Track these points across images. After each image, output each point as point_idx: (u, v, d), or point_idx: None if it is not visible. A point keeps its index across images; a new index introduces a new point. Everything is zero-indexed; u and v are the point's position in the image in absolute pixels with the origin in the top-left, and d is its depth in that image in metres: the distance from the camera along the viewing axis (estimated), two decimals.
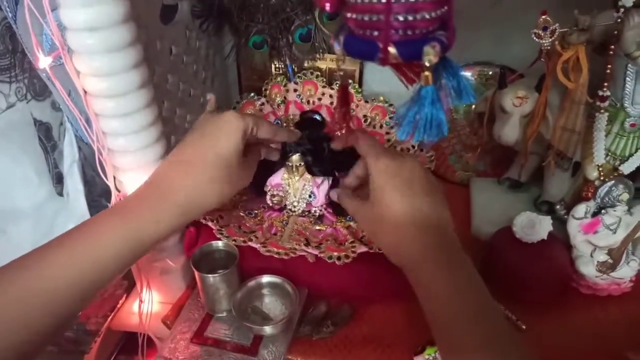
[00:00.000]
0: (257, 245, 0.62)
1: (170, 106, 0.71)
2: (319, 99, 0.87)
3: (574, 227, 0.66)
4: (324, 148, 0.71)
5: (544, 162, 0.72)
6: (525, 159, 0.75)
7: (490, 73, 0.84)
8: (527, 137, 0.70)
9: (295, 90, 0.88)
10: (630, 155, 0.67)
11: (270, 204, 0.72)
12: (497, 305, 0.48)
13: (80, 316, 0.70)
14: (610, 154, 0.67)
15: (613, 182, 0.65)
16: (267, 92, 0.88)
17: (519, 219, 0.65)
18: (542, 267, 0.64)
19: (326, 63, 0.89)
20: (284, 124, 0.86)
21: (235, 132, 0.55)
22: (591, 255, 0.65)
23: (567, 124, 0.65)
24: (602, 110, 0.64)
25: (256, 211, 0.72)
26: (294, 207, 0.71)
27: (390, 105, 0.85)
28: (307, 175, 0.70)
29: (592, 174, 0.68)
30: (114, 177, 0.57)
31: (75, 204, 0.69)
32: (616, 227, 0.64)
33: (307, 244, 0.64)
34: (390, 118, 0.84)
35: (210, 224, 0.64)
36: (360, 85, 0.90)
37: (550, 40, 0.59)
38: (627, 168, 0.67)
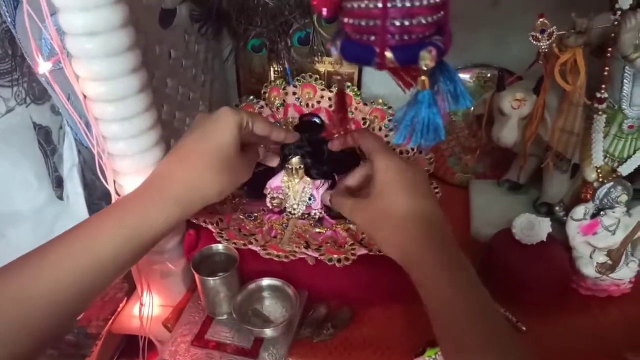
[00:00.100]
0: (257, 248, 0.62)
1: (169, 110, 0.71)
2: (318, 102, 0.87)
3: (573, 229, 0.66)
4: (323, 151, 0.71)
5: (542, 163, 0.72)
6: (524, 161, 0.75)
7: (489, 75, 0.84)
8: (525, 139, 0.71)
9: (294, 93, 0.88)
10: (629, 156, 0.67)
11: (270, 207, 0.72)
12: (496, 307, 0.49)
13: (81, 319, 0.70)
14: (608, 155, 0.68)
15: (612, 183, 0.65)
16: (266, 95, 0.89)
17: (518, 220, 0.65)
18: (542, 269, 0.64)
19: (325, 66, 0.90)
20: (284, 127, 0.86)
21: (231, 124, 0.55)
22: (590, 257, 0.65)
23: (565, 125, 0.66)
24: (600, 112, 0.65)
25: (256, 214, 0.72)
26: (294, 209, 0.71)
27: (389, 107, 0.85)
28: (307, 178, 0.70)
29: (591, 175, 0.68)
30: (114, 181, 0.58)
31: (75, 208, 0.69)
32: (615, 228, 0.64)
33: (307, 246, 0.64)
34: (389, 120, 0.84)
35: (210, 227, 0.64)
36: (359, 87, 0.90)
37: (547, 42, 0.60)
38: (625, 169, 0.67)
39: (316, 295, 0.65)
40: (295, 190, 0.70)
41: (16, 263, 0.46)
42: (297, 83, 0.88)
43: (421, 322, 0.49)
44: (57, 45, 0.49)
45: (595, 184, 0.68)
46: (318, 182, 0.70)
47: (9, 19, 0.54)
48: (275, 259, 0.62)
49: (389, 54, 0.35)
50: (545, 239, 0.64)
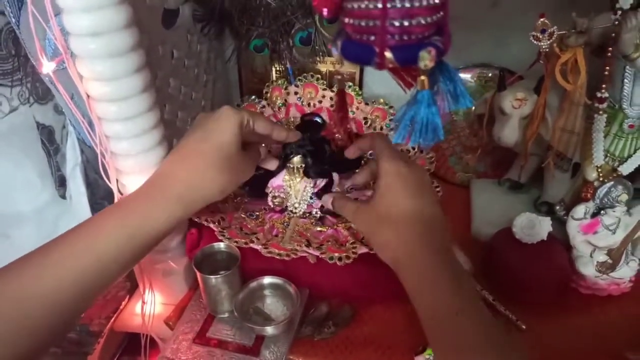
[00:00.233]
0: (258, 247, 0.63)
1: (171, 109, 0.71)
2: (320, 102, 0.88)
3: (574, 228, 0.66)
4: (324, 150, 0.72)
5: (543, 163, 0.72)
6: (525, 160, 0.76)
7: (490, 75, 0.84)
8: (526, 138, 0.71)
9: (295, 93, 0.89)
10: (629, 156, 0.67)
11: (272, 206, 0.72)
12: (485, 307, 0.49)
13: (83, 317, 0.71)
14: (609, 155, 0.68)
15: (612, 182, 0.65)
16: (268, 95, 0.89)
17: (518, 219, 0.66)
18: (542, 268, 0.64)
19: (326, 66, 0.90)
20: (285, 126, 0.86)
21: (233, 122, 0.56)
22: (591, 256, 0.65)
23: (566, 125, 0.66)
24: (600, 112, 0.65)
25: (257, 213, 0.72)
26: (295, 208, 0.71)
27: (391, 107, 0.86)
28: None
29: (592, 174, 0.68)
30: (117, 180, 0.58)
31: (78, 207, 0.69)
32: (615, 227, 0.64)
33: (308, 245, 0.64)
34: (390, 120, 0.85)
35: (212, 225, 0.65)
36: (361, 87, 0.91)
37: (548, 42, 0.60)
38: (626, 169, 0.67)
39: (317, 294, 0.66)
40: (297, 189, 0.71)
41: (18, 263, 0.46)
42: (298, 83, 0.89)
43: None
44: (61, 46, 0.49)
45: (595, 184, 0.68)
46: (319, 181, 0.70)
47: (14, 20, 0.55)
48: (277, 257, 0.62)
49: (388, 54, 0.36)
50: (545, 238, 0.65)
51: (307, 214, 0.72)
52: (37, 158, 0.66)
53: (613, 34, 0.59)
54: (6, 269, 0.45)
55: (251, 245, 0.63)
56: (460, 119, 0.87)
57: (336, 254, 0.61)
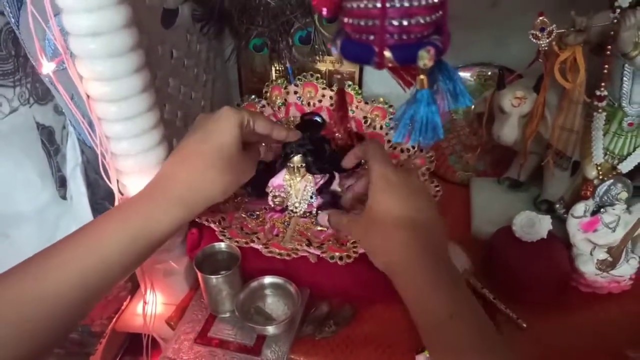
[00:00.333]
0: (259, 246, 0.63)
1: (171, 109, 0.71)
2: (319, 101, 0.88)
3: (574, 226, 0.66)
4: (324, 149, 0.72)
5: (543, 161, 0.72)
6: (524, 159, 0.76)
7: (489, 73, 0.84)
8: (526, 137, 0.71)
9: (295, 93, 0.89)
10: (629, 154, 0.67)
11: (272, 205, 0.72)
12: (481, 309, 0.49)
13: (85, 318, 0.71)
14: (608, 153, 0.68)
15: (612, 180, 0.65)
16: (268, 94, 0.89)
17: (518, 218, 0.66)
18: (542, 266, 0.64)
19: (326, 65, 0.90)
20: (285, 126, 0.86)
21: (233, 123, 0.56)
22: (591, 254, 0.65)
23: (565, 123, 0.66)
24: (600, 110, 0.65)
25: (258, 212, 0.72)
26: (296, 208, 0.71)
27: (390, 106, 0.86)
28: (309, 176, 0.71)
29: (591, 173, 0.68)
30: (117, 180, 0.58)
31: (79, 207, 0.69)
32: (615, 225, 0.64)
33: (309, 244, 0.64)
34: (390, 119, 0.85)
35: (212, 225, 0.65)
36: (360, 86, 0.91)
37: (547, 41, 0.60)
38: (625, 167, 0.67)
39: (318, 293, 0.66)
40: (297, 188, 0.71)
41: (22, 266, 0.46)
42: (298, 82, 0.89)
43: None
44: (60, 46, 0.49)
45: (595, 182, 0.68)
46: (319, 179, 0.71)
47: (13, 20, 0.55)
48: (277, 257, 0.62)
49: (387, 54, 0.36)
50: (545, 237, 0.65)
51: (308, 213, 0.72)
52: (38, 158, 0.66)
53: (612, 32, 0.59)
54: (11, 272, 0.45)
55: (252, 245, 0.63)
56: (459, 118, 0.87)
57: (337, 254, 0.61)
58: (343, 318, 0.63)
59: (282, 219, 0.71)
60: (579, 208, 0.66)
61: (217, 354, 0.59)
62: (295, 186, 0.71)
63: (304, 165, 0.70)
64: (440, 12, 0.36)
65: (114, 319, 0.72)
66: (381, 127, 0.85)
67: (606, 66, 0.62)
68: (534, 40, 0.60)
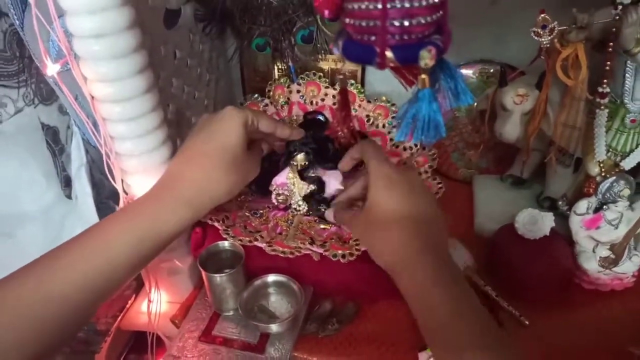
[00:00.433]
0: (262, 245, 0.63)
1: (175, 109, 0.72)
2: (322, 100, 0.88)
3: (576, 223, 0.66)
4: (328, 148, 0.72)
5: (545, 158, 0.72)
6: (527, 156, 0.76)
7: (492, 71, 0.84)
8: (528, 134, 0.71)
9: (298, 91, 0.89)
10: (631, 150, 0.67)
11: (276, 203, 0.73)
12: (482, 307, 0.48)
13: None
14: (611, 149, 0.68)
15: (614, 177, 0.65)
16: (271, 93, 0.89)
17: (520, 215, 0.66)
18: (545, 263, 0.64)
19: (328, 63, 0.90)
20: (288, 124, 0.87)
21: (237, 123, 0.56)
22: (593, 251, 0.65)
23: (568, 120, 0.66)
24: (602, 107, 0.65)
25: (261, 211, 0.73)
26: (299, 206, 0.72)
27: (393, 105, 0.86)
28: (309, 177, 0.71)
29: (594, 169, 0.68)
30: (122, 180, 0.58)
31: (84, 207, 0.70)
32: (618, 222, 0.64)
33: (312, 242, 0.64)
34: (392, 118, 0.85)
35: (216, 224, 0.65)
36: (363, 85, 0.91)
37: (549, 38, 0.60)
38: (628, 164, 0.67)
39: (321, 291, 0.66)
40: (300, 186, 0.71)
41: (28, 267, 0.46)
42: (301, 81, 0.89)
43: None
44: (64, 48, 0.50)
45: (598, 179, 0.68)
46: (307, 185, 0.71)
47: (17, 22, 0.55)
48: (281, 255, 0.62)
49: (389, 54, 0.36)
50: (548, 234, 0.65)
51: (311, 212, 0.72)
52: (43, 158, 0.67)
53: (614, 29, 0.59)
54: (16, 274, 0.45)
55: (255, 243, 0.63)
56: (462, 115, 0.87)
57: (340, 252, 0.62)
58: (346, 316, 0.63)
59: (286, 217, 0.72)
60: (582, 205, 0.66)
61: (221, 352, 0.59)
62: (298, 184, 0.71)
63: (307, 163, 0.70)
64: (441, 12, 0.36)
65: (119, 317, 0.72)
66: (384, 126, 0.85)
67: (608, 63, 0.62)
68: (536, 38, 0.60)
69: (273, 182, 0.72)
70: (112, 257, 0.48)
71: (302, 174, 0.71)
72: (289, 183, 0.72)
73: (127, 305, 0.73)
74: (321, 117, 0.84)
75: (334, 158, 0.71)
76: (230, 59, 0.91)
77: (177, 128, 0.72)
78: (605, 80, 0.63)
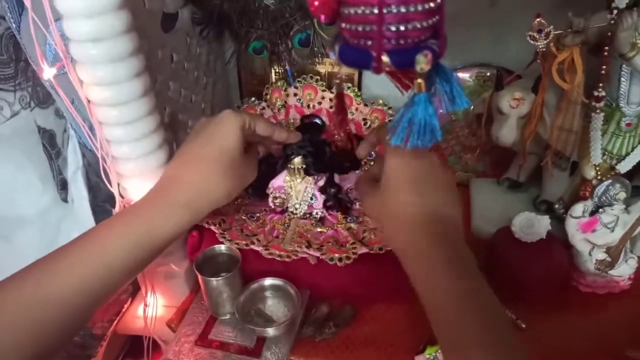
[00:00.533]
0: (259, 248, 0.63)
1: (172, 112, 0.72)
2: (319, 103, 0.88)
3: (572, 226, 0.67)
4: (325, 151, 0.72)
5: (542, 162, 0.73)
6: (523, 160, 0.76)
7: (488, 74, 0.84)
8: (524, 137, 0.71)
9: (295, 95, 0.89)
10: (627, 154, 0.67)
11: (273, 206, 0.73)
12: (501, 306, 0.47)
13: None
14: (607, 153, 0.68)
15: (610, 181, 0.65)
16: (268, 96, 0.89)
17: (517, 219, 0.66)
18: (542, 266, 0.64)
19: (325, 67, 0.90)
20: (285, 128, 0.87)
21: (234, 126, 0.56)
22: (590, 254, 0.65)
23: (564, 124, 0.66)
24: (598, 111, 0.65)
25: (258, 214, 0.73)
26: (296, 209, 0.72)
27: (390, 108, 0.86)
28: (309, 178, 0.71)
29: (590, 173, 0.69)
30: (118, 184, 0.58)
31: (80, 210, 0.70)
32: (614, 225, 0.65)
33: (309, 246, 0.64)
34: (389, 121, 0.85)
35: (212, 227, 0.65)
36: (360, 88, 0.91)
37: (545, 42, 0.60)
38: (623, 167, 0.67)
39: (318, 295, 0.66)
40: (297, 190, 0.71)
41: (25, 271, 0.46)
42: (298, 84, 0.89)
43: (422, 320, 0.49)
44: (61, 51, 0.50)
45: (594, 182, 0.68)
46: (320, 181, 0.71)
47: (14, 25, 0.55)
48: (278, 258, 0.62)
49: (385, 58, 0.36)
50: (544, 237, 0.65)
51: (308, 215, 0.72)
52: (39, 161, 0.66)
53: (609, 33, 0.59)
54: (13, 277, 0.45)
55: (252, 246, 0.63)
56: (459, 119, 0.87)
57: (336, 255, 0.62)
58: (343, 319, 0.63)
59: (282, 220, 0.72)
60: (578, 208, 0.66)
61: (218, 356, 0.59)
62: (295, 187, 0.71)
63: (304, 166, 0.70)
64: (437, 17, 0.36)
65: (115, 322, 0.72)
66: None
67: (604, 67, 0.62)
68: (532, 42, 0.61)
69: (270, 185, 0.72)
70: (109, 261, 0.48)
71: (307, 171, 0.71)
72: (286, 186, 0.72)
73: (123, 310, 0.73)
74: (318, 121, 0.84)
75: (331, 161, 0.71)
76: (227, 62, 0.92)
77: (173, 132, 0.72)
78: (601, 84, 0.63)
